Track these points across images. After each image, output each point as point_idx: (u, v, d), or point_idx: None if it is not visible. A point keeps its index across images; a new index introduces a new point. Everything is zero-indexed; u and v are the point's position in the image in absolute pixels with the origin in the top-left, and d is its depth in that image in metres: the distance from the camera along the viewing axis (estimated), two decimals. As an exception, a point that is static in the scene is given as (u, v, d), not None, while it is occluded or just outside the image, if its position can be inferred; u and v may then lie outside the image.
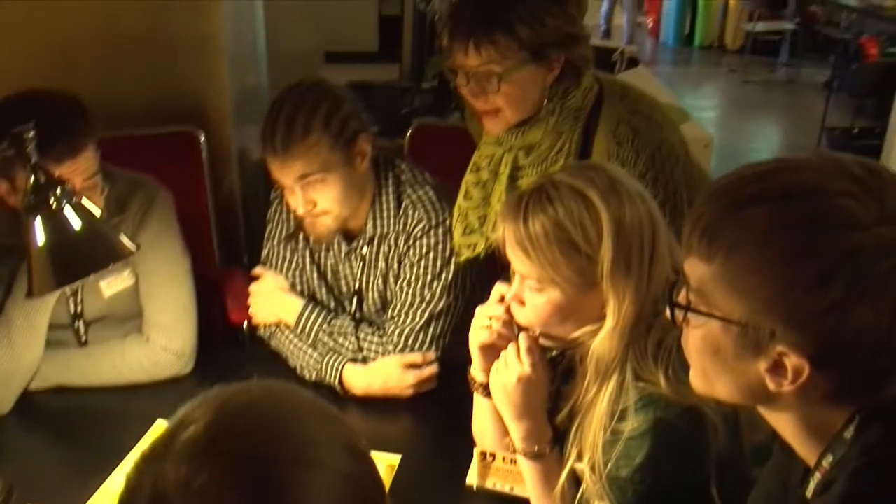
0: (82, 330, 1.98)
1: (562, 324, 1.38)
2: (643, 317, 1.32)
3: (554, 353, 1.45)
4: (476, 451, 1.59)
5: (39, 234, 1.34)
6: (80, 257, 1.38)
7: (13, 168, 1.63)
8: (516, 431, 1.43)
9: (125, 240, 1.44)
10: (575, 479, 1.39)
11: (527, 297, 1.38)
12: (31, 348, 1.84)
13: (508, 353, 1.41)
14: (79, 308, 1.96)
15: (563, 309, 1.35)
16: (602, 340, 1.33)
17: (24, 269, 1.78)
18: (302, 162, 1.79)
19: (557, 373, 1.44)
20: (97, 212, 1.42)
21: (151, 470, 0.73)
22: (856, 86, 5.61)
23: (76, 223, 1.35)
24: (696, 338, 0.97)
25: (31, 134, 1.33)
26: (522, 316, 1.41)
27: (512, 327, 1.44)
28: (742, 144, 6.63)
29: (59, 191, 1.34)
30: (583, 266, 1.31)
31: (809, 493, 0.96)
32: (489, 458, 1.57)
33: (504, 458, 1.55)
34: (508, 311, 1.43)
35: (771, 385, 0.92)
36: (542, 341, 1.42)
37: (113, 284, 1.94)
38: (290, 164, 1.79)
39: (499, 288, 1.47)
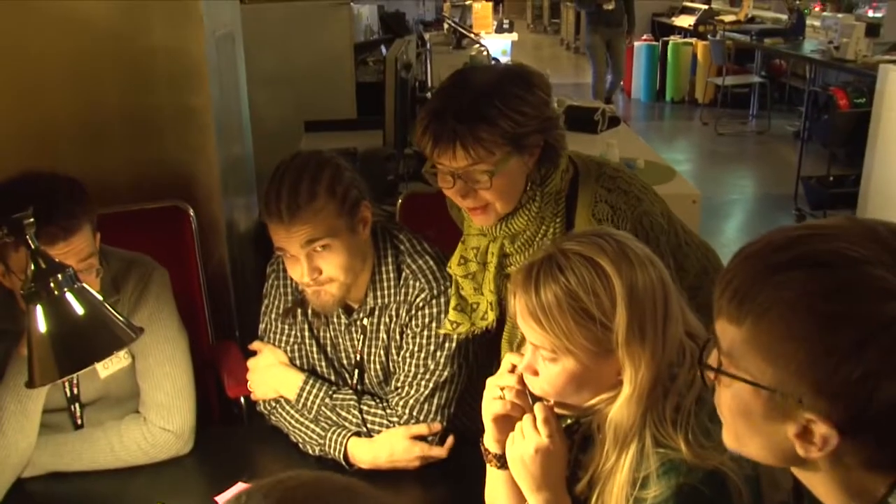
0: (78, 413, 1.94)
1: (577, 392, 1.36)
2: (659, 381, 1.31)
3: (569, 421, 1.43)
4: None
5: (41, 322, 1.31)
6: (84, 345, 1.34)
7: (6, 250, 1.61)
8: (536, 503, 1.40)
9: (128, 324, 1.41)
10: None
11: (540, 367, 1.37)
12: (24, 436, 1.79)
13: (524, 423, 1.39)
14: (75, 390, 1.91)
15: (579, 377, 1.34)
16: (620, 408, 1.31)
17: (15, 354, 1.76)
18: (309, 227, 1.77)
19: (574, 441, 1.42)
20: (99, 297, 1.40)
21: None
22: (828, 135, 5.72)
23: (79, 310, 1.33)
24: (728, 397, 0.97)
25: (31, 220, 1.31)
26: (536, 386, 1.39)
27: (526, 397, 1.42)
28: (721, 196, 6.71)
29: (60, 277, 1.32)
30: (597, 334, 1.30)
31: None
32: None
33: None
34: (521, 380, 1.42)
35: (800, 451, 0.91)
36: (557, 410, 1.40)
37: (109, 365, 1.90)
38: (296, 229, 1.77)
39: (509, 358, 1.46)
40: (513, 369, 1.43)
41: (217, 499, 1.75)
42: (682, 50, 10.38)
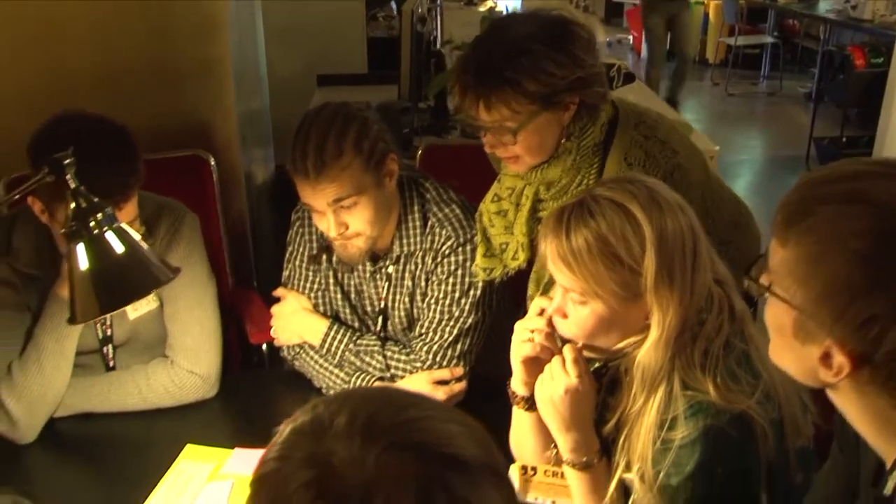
0: (110, 354, 1.97)
1: (606, 335, 1.38)
2: (688, 326, 1.32)
3: (597, 364, 1.46)
4: (516, 466, 1.58)
5: (82, 260, 1.33)
6: (124, 282, 1.37)
7: (50, 193, 1.63)
8: (565, 443, 1.43)
9: (166, 264, 1.44)
10: (623, 489, 1.39)
11: (570, 309, 1.39)
12: (60, 374, 1.83)
13: (554, 365, 1.41)
14: (108, 332, 1.94)
15: (607, 321, 1.35)
16: (647, 351, 1.33)
17: (52, 295, 1.79)
18: (336, 185, 1.77)
19: (603, 384, 1.44)
20: (138, 236, 1.42)
21: (303, 451, 0.74)
22: (842, 96, 5.69)
23: (119, 248, 1.35)
24: (770, 313, 1.02)
25: (71, 160, 1.33)
26: (566, 328, 1.41)
27: (555, 340, 1.44)
28: (730, 156, 6.69)
29: (100, 216, 1.34)
30: (626, 278, 1.31)
31: (889, 490, 0.97)
32: (530, 472, 1.56)
33: (546, 472, 1.54)
34: (550, 323, 1.44)
35: (822, 375, 0.96)
36: (585, 353, 1.42)
37: (138, 307, 1.93)
38: (323, 187, 1.77)
39: (538, 302, 1.48)
40: (541, 313, 1.46)
41: (238, 449, 1.78)
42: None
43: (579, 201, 1.35)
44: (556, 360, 1.41)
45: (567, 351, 1.41)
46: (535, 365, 1.46)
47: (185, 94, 2.64)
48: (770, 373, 1.31)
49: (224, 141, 2.71)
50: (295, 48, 4.50)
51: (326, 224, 1.83)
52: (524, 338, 1.46)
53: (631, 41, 11.04)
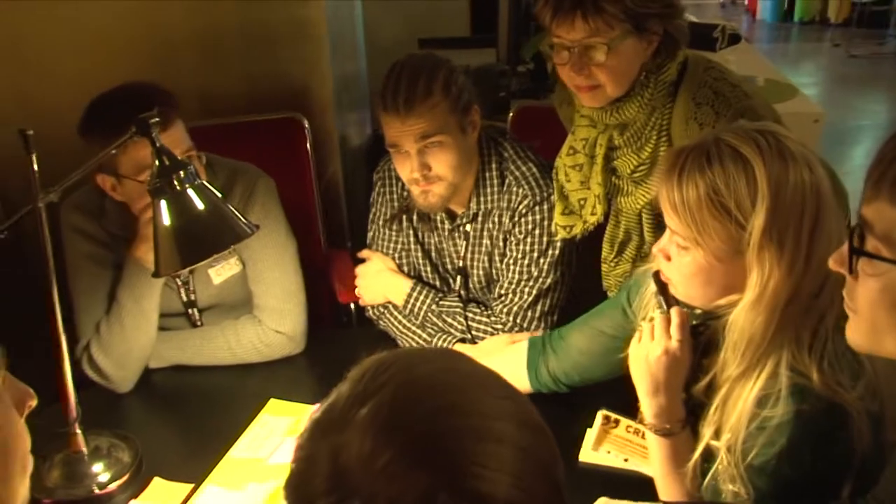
0: (197, 315, 2.05)
1: (704, 287, 1.33)
2: (799, 298, 1.25)
3: (695, 322, 1.41)
4: (600, 413, 1.57)
5: (165, 216, 1.38)
6: (205, 237, 1.42)
7: (117, 162, 1.71)
8: (649, 407, 1.40)
9: (245, 221, 1.48)
10: (704, 455, 1.36)
11: (673, 252, 1.35)
12: (141, 331, 1.90)
13: (656, 325, 1.38)
14: (192, 296, 2.01)
15: (707, 272, 1.31)
16: (740, 312, 1.28)
17: (129, 257, 1.86)
18: (425, 121, 1.80)
19: (700, 343, 1.40)
20: (218, 193, 1.46)
21: (329, 441, 0.73)
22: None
23: (199, 205, 1.40)
24: (872, 289, 0.92)
25: (156, 120, 1.38)
26: (667, 270, 1.37)
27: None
28: (849, 122, 6.38)
29: (182, 173, 1.38)
30: (731, 232, 1.25)
31: None
32: (612, 423, 1.54)
33: (628, 427, 1.52)
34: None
35: None
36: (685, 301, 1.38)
37: (222, 272, 1.99)
38: (412, 122, 1.80)
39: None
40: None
41: (317, 406, 1.82)
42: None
43: (701, 144, 1.29)
44: (659, 319, 1.39)
45: (674, 313, 1.38)
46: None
47: (280, 56, 2.69)
48: (875, 364, 1.25)
49: (319, 104, 2.75)
50: (397, 12, 4.49)
51: (410, 166, 1.85)
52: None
53: (746, 1, 10.60)
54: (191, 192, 1.40)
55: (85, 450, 1.66)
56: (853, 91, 7.53)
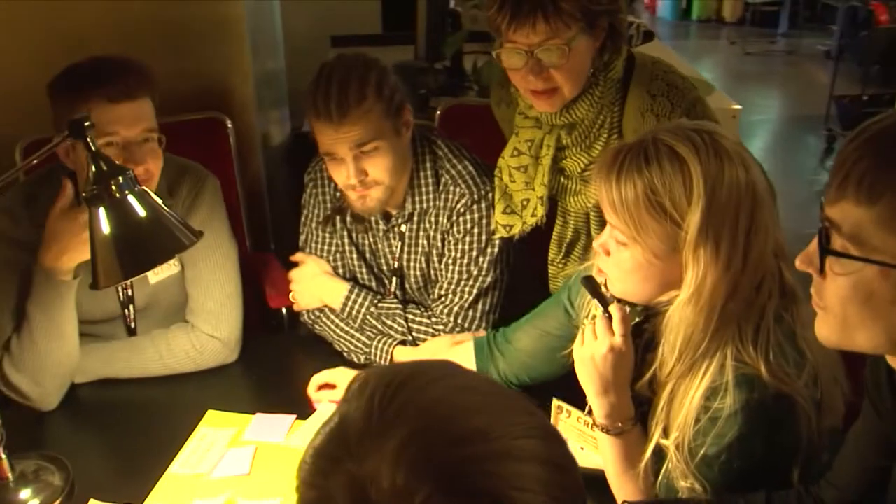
0: (132, 316, 1.95)
1: (642, 283, 1.35)
2: (737, 296, 1.27)
3: (637, 319, 1.42)
4: (553, 403, 1.56)
5: (104, 224, 1.31)
6: (147, 246, 1.35)
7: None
8: (600, 408, 1.40)
9: (189, 228, 1.41)
10: (655, 454, 1.37)
11: (612, 247, 1.36)
12: (54, 344, 1.77)
13: (597, 324, 1.38)
14: (129, 292, 1.92)
15: (645, 269, 1.32)
16: (676, 309, 1.30)
17: (35, 265, 1.72)
18: (359, 128, 1.75)
19: (643, 341, 1.41)
20: (159, 200, 1.39)
21: (345, 474, 0.68)
22: (865, 53, 5.59)
23: (140, 212, 1.33)
24: (842, 287, 0.94)
25: (90, 123, 1.30)
26: (606, 266, 1.38)
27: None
28: (747, 116, 6.60)
29: (121, 179, 1.31)
30: (668, 231, 1.27)
31: None
32: (565, 414, 1.54)
33: (579, 419, 1.52)
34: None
35: None
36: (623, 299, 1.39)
37: (160, 271, 1.91)
38: (346, 129, 1.75)
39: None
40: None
41: (258, 415, 1.78)
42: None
43: (639, 143, 1.30)
44: (599, 320, 1.39)
45: (614, 310, 1.38)
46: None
47: (200, 55, 2.60)
48: (814, 353, 1.27)
49: (241, 103, 2.68)
50: (308, 9, 4.44)
51: (346, 172, 1.80)
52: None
53: (645, 0, 10.88)
54: (131, 198, 1.32)
55: (10, 476, 1.55)
56: (750, 87, 7.82)
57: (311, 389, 1.84)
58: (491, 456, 0.69)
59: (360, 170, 1.80)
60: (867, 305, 0.93)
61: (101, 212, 1.31)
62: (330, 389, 1.83)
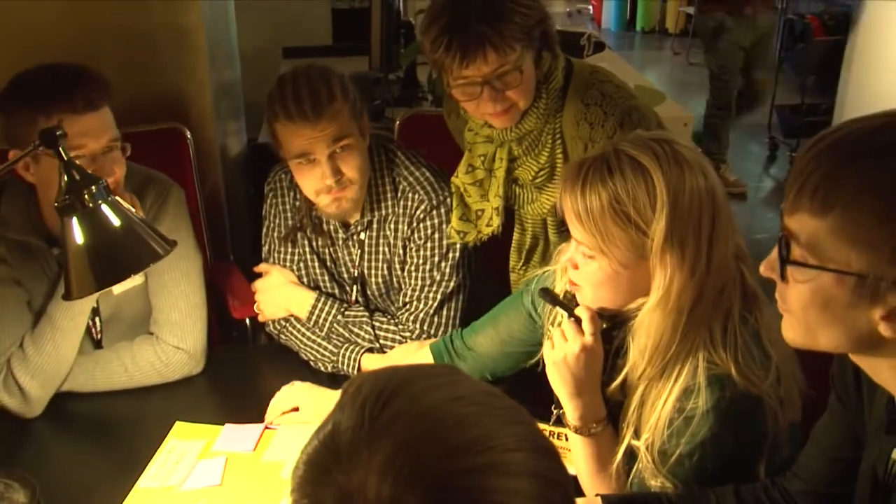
0: (98, 327, 1.93)
1: (613, 292, 1.38)
2: (704, 298, 1.30)
3: (605, 325, 1.45)
4: None
5: (77, 235, 1.30)
6: (121, 256, 1.34)
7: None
8: (573, 410, 1.43)
9: (163, 237, 1.41)
10: (627, 455, 1.40)
11: (580, 261, 1.38)
12: (74, 350, 1.82)
13: (565, 327, 1.41)
14: (94, 303, 1.89)
15: (614, 279, 1.35)
16: (645, 315, 1.33)
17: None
18: (335, 124, 1.77)
19: (613, 346, 1.44)
20: (133, 209, 1.39)
21: (335, 484, 0.68)
22: (803, 64, 5.75)
23: (114, 221, 1.32)
24: (803, 293, 0.98)
25: (62, 132, 1.29)
26: (576, 278, 1.41)
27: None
28: (693, 125, 6.74)
29: (94, 189, 1.30)
30: (634, 239, 1.30)
31: None
32: None
33: (545, 430, 1.54)
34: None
35: (886, 332, 0.93)
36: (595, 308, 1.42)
37: (123, 282, 1.88)
38: (323, 126, 1.76)
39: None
40: None
41: (228, 425, 1.77)
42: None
43: (601, 155, 1.33)
44: (567, 322, 1.41)
45: (582, 311, 1.41)
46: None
47: (159, 64, 2.58)
48: (777, 352, 1.31)
49: (199, 114, 2.65)
50: (260, 20, 4.43)
51: (321, 173, 1.81)
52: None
53: (591, 11, 11.04)
54: (104, 208, 1.31)
55: (-27, 496, 1.53)
56: (694, 96, 7.97)
57: (273, 416, 1.78)
58: (480, 469, 0.69)
59: (335, 169, 1.81)
60: (826, 310, 0.96)
61: (74, 221, 1.30)
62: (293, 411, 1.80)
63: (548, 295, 1.50)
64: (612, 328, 1.44)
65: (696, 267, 1.29)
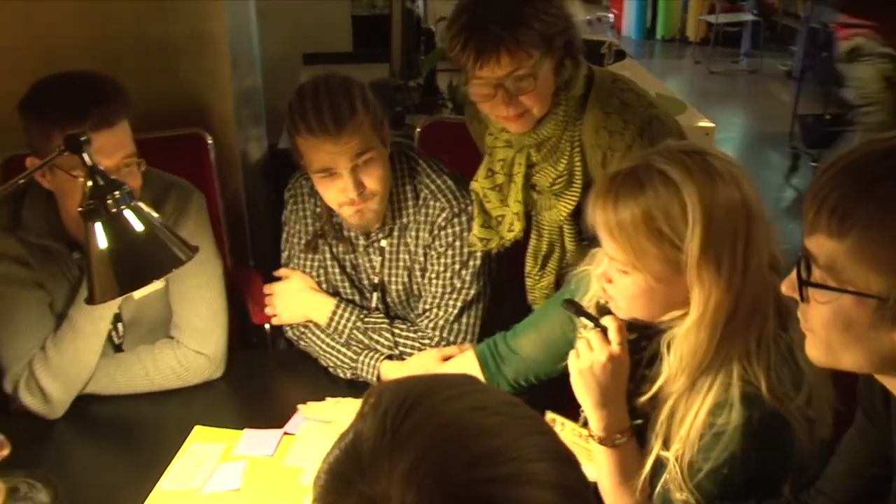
0: (121, 331, 1.95)
1: (648, 306, 1.37)
2: (739, 311, 1.29)
3: (633, 335, 1.44)
4: (547, 416, 1.57)
5: (101, 239, 1.31)
6: (144, 261, 1.35)
7: (52, 147, 1.61)
8: (598, 420, 1.42)
9: (185, 243, 1.42)
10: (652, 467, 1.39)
11: (614, 275, 1.37)
12: (95, 354, 1.84)
13: (591, 336, 1.40)
14: (116, 309, 1.91)
15: (649, 293, 1.34)
16: (687, 331, 1.31)
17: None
18: (357, 138, 1.77)
19: (644, 357, 1.42)
20: (156, 215, 1.40)
21: (358, 494, 0.68)
22: (826, 73, 5.71)
23: (138, 227, 1.33)
24: (824, 314, 0.97)
25: (87, 138, 1.30)
26: (611, 290, 1.40)
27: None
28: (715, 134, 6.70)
29: (117, 194, 1.32)
30: (668, 254, 1.29)
31: None
32: (559, 425, 1.55)
33: (573, 430, 1.54)
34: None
35: None
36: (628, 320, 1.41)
37: (144, 287, 1.90)
38: (345, 141, 1.76)
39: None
40: None
41: (248, 430, 1.78)
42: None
43: (632, 169, 1.32)
44: (593, 332, 1.41)
45: (609, 321, 1.40)
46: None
47: (181, 71, 2.60)
48: (809, 368, 1.29)
49: (220, 120, 2.67)
50: (280, 27, 4.45)
51: (343, 187, 1.81)
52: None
53: (612, 20, 11.02)
54: (128, 213, 1.33)
55: (-1, 495, 1.54)
56: (715, 105, 7.94)
57: (310, 413, 1.81)
58: (503, 479, 0.68)
59: (358, 182, 1.81)
60: (848, 331, 0.96)
61: (98, 226, 1.31)
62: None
63: (572, 306, 1.49)
64: (641, 339, 1.43)
65: (732, 280, 1.28)
